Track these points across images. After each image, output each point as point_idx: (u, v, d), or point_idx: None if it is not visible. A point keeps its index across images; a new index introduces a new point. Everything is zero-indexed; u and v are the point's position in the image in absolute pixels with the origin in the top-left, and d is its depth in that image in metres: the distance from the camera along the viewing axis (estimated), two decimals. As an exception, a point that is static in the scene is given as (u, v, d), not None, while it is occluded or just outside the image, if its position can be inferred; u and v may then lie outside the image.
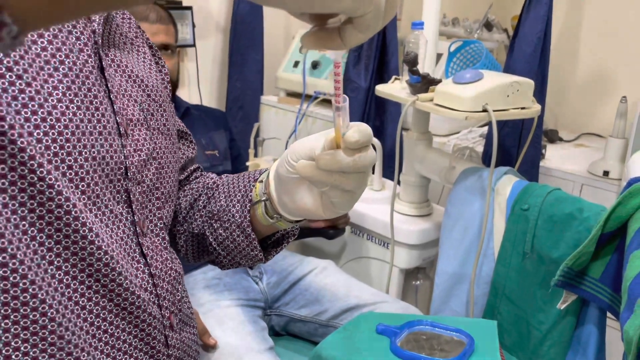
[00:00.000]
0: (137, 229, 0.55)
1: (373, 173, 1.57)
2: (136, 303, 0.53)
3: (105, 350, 0.51)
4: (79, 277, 0.49)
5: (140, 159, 0.56)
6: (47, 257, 0.47)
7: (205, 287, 1.22)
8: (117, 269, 0.51)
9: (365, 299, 1.24)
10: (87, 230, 0.48)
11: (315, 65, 1.94)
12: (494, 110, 1.15)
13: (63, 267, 0.48)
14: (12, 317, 0.45)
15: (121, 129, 0.54)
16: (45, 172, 0.45)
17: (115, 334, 0.52)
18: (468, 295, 1.24)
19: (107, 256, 0.50)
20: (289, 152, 0.52)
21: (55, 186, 0.46)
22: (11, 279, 0.44)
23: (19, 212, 0.45)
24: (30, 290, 0.45)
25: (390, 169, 1.70)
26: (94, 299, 0.50)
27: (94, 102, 0.51)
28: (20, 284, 0.45)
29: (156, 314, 0.55)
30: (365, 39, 0.37)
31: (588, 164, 1.51)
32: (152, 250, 0.57)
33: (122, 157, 0.53)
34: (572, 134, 1.78)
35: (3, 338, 0.45)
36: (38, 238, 0.46)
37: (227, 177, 0.68)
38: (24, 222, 0.45)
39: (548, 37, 1.41)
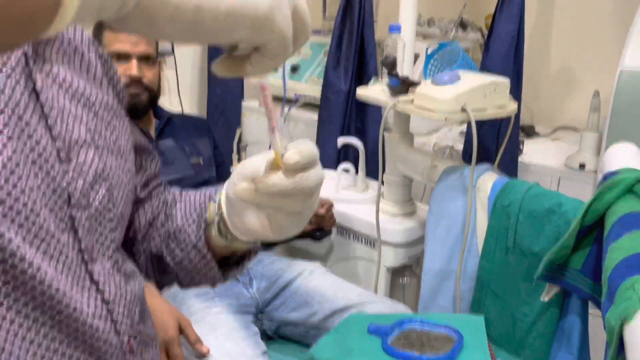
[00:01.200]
0: (86, 255, 0.52)
1: (357, 174, 1.58)
2: (89, 332, 0.51)
3: None
4: (23, 312, 0.47)
5: (86, 182, 0.53)
6: None
7: (196, 295, 1.23)
8: (65, 301, 0.49)
9: (353, 300, 1.26)
10: (26, 265, 0.46)
11: (294, 69, 1.96)
12: (473, 110, 1.17)
13: (5, 304, 0.46)
14: None
15: (61, 154, 0.51)
16: None
17: None
18: (455, 291, 1.26)
19: (52, 289, 0.48)
20: (234, 173, 0.51)
21: None
22: None
23: None
24: None
25: (373, 170, 1.72)
26: (43, 332, 0.48)
27: (25, 130, 0.48)
28: None
29: (113, 340, 0.53)
30: (277, 66, 0.37)
31: (564, 157, 1.55)
32: (103, 276, 0.54)
33: (64, 183, 0.50)
34: (548, 128, 1.82)
35: None
36: None
37: (186, 195, 0.67)
38: None
39: (522, 36, 1.45)
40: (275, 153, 0.46)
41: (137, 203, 0.67)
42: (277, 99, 2.01)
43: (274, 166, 0.47)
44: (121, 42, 1.34)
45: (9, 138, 0.47)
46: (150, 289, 1.12)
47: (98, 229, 0.54)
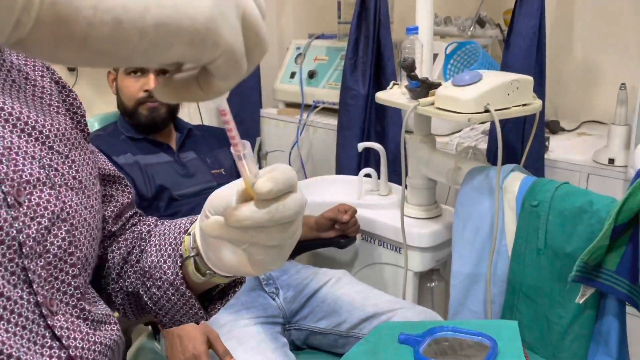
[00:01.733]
0: (44, 310, 0.46)
1: (379, 178, 1.57)
2: None
3: None
4: None
5: (41, 227, 0.47)
6: None
7: (222, 308, 1.23)
8: None
9: (382, 307, 1.24)
10: None
11: (311, 74, 1.95)
12: (496, 110, 1.15)
13: None
14: None
15: (9, 199, 0.45)
16: None
17: None
18: (485, 295, 1.24)
19: (1, 356, 0.42)
20: (206, 205, 0.45)
21: None
22: None
23: None
24: None
25: (395, 173, 1.70)
26: None
27: None
28: None
29: None
30: (230, 87, 0.31)
31: (592, 152, 1.51)
32: (67, 329, 0.48)
33: (14, 231, 0.45)
34: (573, 123, 1.78)
35: None
36: None
37: (161, 227, 0.60)
38: None
39: (543, 31, 1.42)
40: (245, 182, 0.40)
41: (110, 238, 0.63)
42: (295, 105, 2.01)
43: (246, 196, 0.40)
44: (139, 57, 1.35)
45: None
46: None
47: (58, 276, 0.49)
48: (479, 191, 1.24)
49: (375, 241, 1.52)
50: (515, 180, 1.19)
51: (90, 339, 0.50)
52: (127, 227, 0.65)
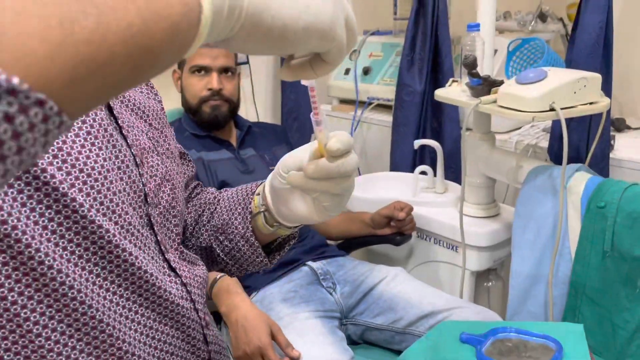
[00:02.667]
0: (162, 247, 0.60)
1: (435, 176, 1.57)
2: (176, 310, 0.59)
3: (156, 354, 0.58)
4: (124, 295, 0.55)
5: (156, 183, 0.61)
6: (103, 284, 0.54)
7: (282, 300, 1.26)
8: (157, 283, 0.57)
9: (439, 305, 1.24)
10: (127, 255, 0.54)
11: (366, 71, 1.96)
12: (562, 108, 1.13)
13: (112, 289, 0.55)
14: (75, 335, 0.53)
15: (137, 160, 0.59)
16: (85, 210, 0.51)
17: (162, 338, 0.59)
18: (546, 296, 1.22)
19: (147, 274, 0.56)
20: (279, 166, 0.58)
21: (96, 221, 0.52)
22: (71, 305, 0.52)
23: (75, 250, 0.52)
24: (88, 313, 0.53)
25: (450, 171, 1.69)
26: (143, 313, 0.57)
27: (110, 141, 0.56)
28: (80, 309, 0.52)
29: (194, 317, 0.62)
30: (334, 68, 0.43)
31: (661, 151, 1.45)
32: (178, 264, 0.62)
33: (141, 185, 0.58)
34: (640, 121, 1.72)
35: (71, 353, 0.52)
36: (93, 270, 0.53)
37: (227, 192, 0.73)
38: (79, 260, 0.52)
39: (610, 26, 1.37)
40: (318, 143, 0.53)
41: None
42: (349, 102, 2.02)
43: (316, 155, 0.54)
44: (202, 56, 1.40)
45: (100, 148, 0.54)
46: (236, 289, 1.16)
47: (166, 224, 0.62)
48: (541, 191, 1.22)
49: (430, 239, 1.52)
50: (580, 180, 1.17)
51: (192, 272, 0.64)
52: (192, 196, 0.77)
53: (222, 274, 1.21)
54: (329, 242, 1.51)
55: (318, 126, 0.53)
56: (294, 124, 2.09)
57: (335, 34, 0.39)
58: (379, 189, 1.66)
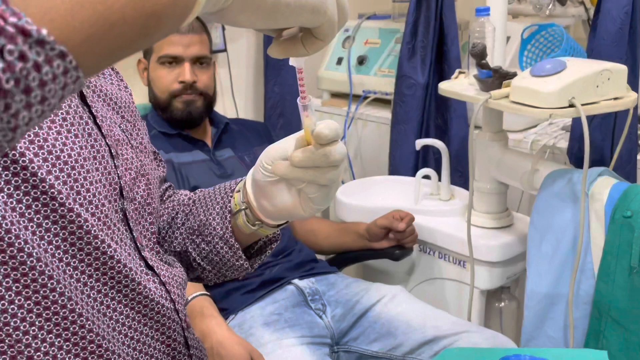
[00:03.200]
0: (137, 244, 0.64)
1: (439, 180, 1.57)
2: (156, 309, 0.63)
3: (134, 355, 0.62)
4: (103, 290, 0.59)
5: (131, 177, 0.65)
6: (81, 278, 0.58)
7: (264, 324, 1.25)
8: (137, 279, 0.61)
9: (444, 330, 1.25)
10: (106, 247, 0.58)
11: (361, 60, 1.96)
12: (583, 105, 1.13)
13: (90, 283, 0.58)
14: (54, 330, 0.56)
15: (112, 151, 0.63)
16: (64, 198, 0.55)
17: (142, 339, 0.63)
18: (566, 319, 1.23)
19: (126, 268, 0.60)
20: (262, 158, 0.62)
21: (75, 209, 0.56)
22: (50, 297, 0.56)
23: (53, 240, 0.56)
24: (68, 306, 0.56)
25: (457, 175, 1.70)
26: (122, 310, 0.61)
27: (86, 129, 0.60)
28: (59, 301, 0.56)
29: (175, 318, 0.66)
30: (325, 45, 0.47)
31: (695, 153, 1.47)
32: (155, 262, 0.66)
33: (116, 177, 0.63)
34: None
35: (49, 349, 0.56)
36: (71, 262, 0.57)
37: (202, 192, 0.76)
38: (57, 250, 0.56)
39: (636, 11, 1.38)
40: (305, 130, 0.57)
41: None
42: (341, 95, 2.02)
43: (303, 143, 0.58)
44: (172, 44, 1.39)
45: (76, 136, 0.58)
46: (211, 312, 1.15)
47: (141, 221, 0.66)
48: (560, 198, 1.23)
49: (435, 253, 1.52)
50: (604, 186, 1.17)
51: (171, 272, 0.68)
52: (164, 198, 0.81)
53: (195, 293, 1.20)
54: (318, 256, 1.51)
55: (305, 112, 0.56)
56: (279, 120, 2.08)
57: (327, 8, 0.44)
58: (376, 196, 1.65)
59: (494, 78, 1.25)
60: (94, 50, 0.31)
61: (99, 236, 0.58)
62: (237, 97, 2.07)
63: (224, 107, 2.02)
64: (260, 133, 1.59)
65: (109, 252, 0.58)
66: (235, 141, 1.52)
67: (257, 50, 2.14)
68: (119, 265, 0.59)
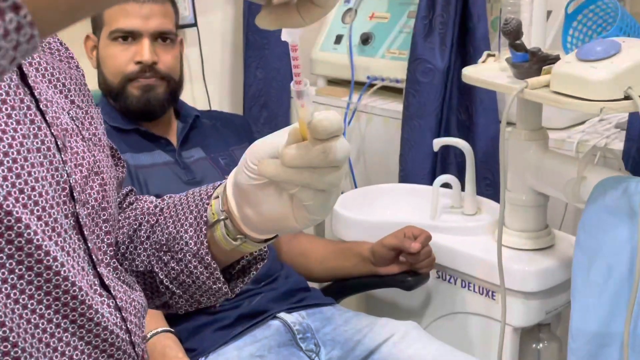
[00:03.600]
0: (92, 257, 0.65)
1: (463, 190, 1.57)
2: (109, 340, 0.63)
3: None
4: (46, 314, 0.59)
5: (82, 175, 0.65)
6: (20, 298, 0.57)
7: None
8: (87, 301, 0.61)
9: (468, 377, 1.25)
10: (51, 260, 0.58)
11: (366, 39, 1.97)
12: (642, 96, 1.14)
13: (30, 305, 0.58)
14: None
15: (59, 142, 0.63)
16: (1, 198, 0.55)
17: None
18: (620, 364, 1.23)
19: (74, 288, 0.60)
20: (247, 155, 0.62)
21: (14, 213, 0.56)
22: None
23: None
24: (0, 333, 0.55)
25: (485, 183, 1.70)
26: (68, 339, 0.61)
27: (28, 115, 0.60)
28: None
29: (131, 352, 0.66)
30: (325, 14, 0.48)
31: None
32: (112, 281, 0.66)
33: (65, 174, 0.63)
34: None
35: None
36: (8, 278, 0.56)
37: (172, 198, 0.77)
38: None
39: None
40: (300, 121, 0.57)
41: None
42: (341, 82, 2.03)
43: (298, 137, 0.58)
44: (128, 16, 1.40)
45: (17, 122, 0.58)
46: (175, 352, 1.15)
47: (95, 230, 0.66)
48: (613, 213, 1.23)
49: (456, 281, 1.52)
50: (667, 198, 1.18)
51: (129, 295, 0.68)
52: (124, 205, 0.81)
53: (156, 329, 1.20)
54: (310, 284, 1.51)
55: (300, 99, 0.56)
56: (262, 113, 2.09)
57: None
58: (383, 208, 1.65)
59: (531, 62, 1.25)
60: (53, 4, 0.32)
61: (44, 247, 0.57)
62: (210, 84, 2.08)
63: (193, 96, 2.02)
64: (238, 129, 1.60)
65: (54, 267, 0.58)
66: (207, 139, 1.52)
67: (235, 24, 2.15)
68: (66, 283, 0.59)
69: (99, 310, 0.62)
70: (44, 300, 0.59)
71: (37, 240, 0.57)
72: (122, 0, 0.37)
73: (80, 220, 0.64)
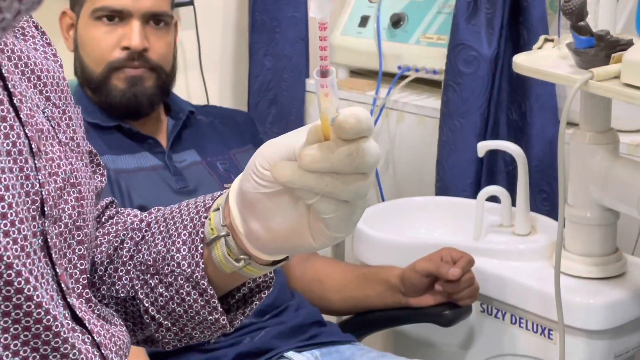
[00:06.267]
0: (61, 285, 0.64)
1: (514, 205, 1.56)
2: None
3: None
4: (13, 346, 0.59)
5: (57, 186, 0.64)
6: None
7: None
8: (62, 333, 0.60)
9: None
10: (22, 282, 0.58)
11: (396, 21, 1.97)
12: None
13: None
14: None
15: (33, 145, 0.62)
16: None
17: None
18: None
19: (48, 317, 0.59)
20: (256, 158, 0.61)
21: None
22: None
23: None
24: None
25: (542, 196, 1.69)
26: None
27: None
28: None
29: None
30: None
31: None
32: (86, 314, 0.66)
33: (37, 184, 0.62)
34: None
35: None
36: None
37: (162, 211, 0.76)
38: None
39: None
40: (322, 116, 0.56)
41: None
42: (366, 73, 2.02)
43: (319, 136, 0.57)
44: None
45: None
46: None
47: (67, 253, 0.66)
48: (698, 234, 1.22)
49: (505, 316, 1.51)
50: None
51: (108, 330, 0.68)
52: (104, 220, 0.81)
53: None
54: (325, 317, 1.51)
55: (323, 88, 0.55)
56: (270, 110, 2.09)
57: None
58: (416, 226, 1.65)
59: (598, 49, 1.25)
60: None
61: (14, 266, 0.57)
62: (208, 74, 2.08)
63: (188, 89, 2.03)
64: (240, 128, 1.60)
65: (25, 291, 0.58)
66: (203, 140, 1.52)
67: (240, 2, 2.15)
68: (39, 311, 0.59)
69: (76, 345, 0.62)
70: (11, 329, 0.58)
71: (7, 257, 0.57)
72: None
73: (49, 240, 0.63)
